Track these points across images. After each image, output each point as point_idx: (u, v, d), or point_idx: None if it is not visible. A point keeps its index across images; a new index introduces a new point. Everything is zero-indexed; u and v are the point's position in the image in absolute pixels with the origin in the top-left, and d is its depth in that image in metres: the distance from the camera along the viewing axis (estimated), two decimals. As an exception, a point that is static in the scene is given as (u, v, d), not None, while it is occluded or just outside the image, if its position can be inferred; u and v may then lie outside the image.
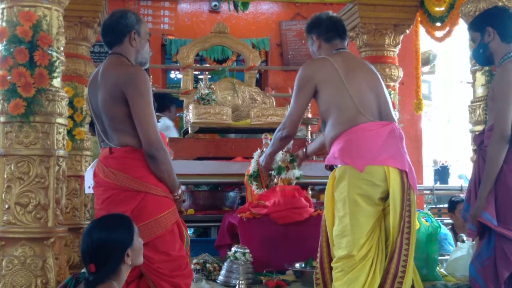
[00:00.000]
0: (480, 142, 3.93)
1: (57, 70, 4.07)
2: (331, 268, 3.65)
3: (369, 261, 3.54)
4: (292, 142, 4.79)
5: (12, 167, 3.93)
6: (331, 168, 3.81)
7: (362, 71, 3.90)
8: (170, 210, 3.42)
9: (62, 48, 4.24)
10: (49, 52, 4.01)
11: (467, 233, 4.04)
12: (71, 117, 5.51)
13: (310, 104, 4.03)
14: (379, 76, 4.00)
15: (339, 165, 3.66)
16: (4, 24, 4.02)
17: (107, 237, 2.88)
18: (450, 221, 6.85)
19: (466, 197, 4.05)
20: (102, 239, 2.87)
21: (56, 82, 4.10)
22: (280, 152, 4.54)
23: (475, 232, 3.87)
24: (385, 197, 3.60)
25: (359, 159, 3.58)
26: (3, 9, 4.10)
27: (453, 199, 6.61)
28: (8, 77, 3.91)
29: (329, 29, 4.01)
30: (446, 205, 8.36)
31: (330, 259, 3.69)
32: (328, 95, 3.79)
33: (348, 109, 3.72)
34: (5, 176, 3.94)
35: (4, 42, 3.97)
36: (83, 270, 3.00)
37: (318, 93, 3.84)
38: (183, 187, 3.65)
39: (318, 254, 3.78)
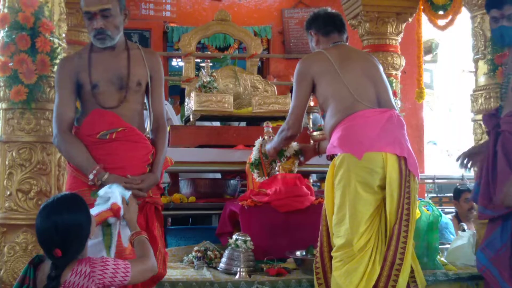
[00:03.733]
0: (495, 125, 3.86)
1: (59, 57, 4.04)
2: (331, 258, 3.66)
3: (368, 251, 3.54)
4: None
5: (13, 153, 3.92)
6: (332, 158, 3.82)
7: (358, 60, 3.95)
8: (77, 191, 3.32)
9: (63, 35, 4.23)
10: (51, 38, 3.99)
11: (478, 215, 4.01)
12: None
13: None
14: (378, 65, 4.05)
15: (338, 153, 3.66)
16: (5, 10, 4.00)
17: (72, 218, 2.78)
18: (452, 209, 6.85)
19: (477, 180, 4.00)
20: (67, 222, 2.76)
21: (58, 69, 4.09)
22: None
23: (489, 216, 3.82)
24: (384, 185, 3.60)
25: (357, 146, 3.59)
26: (4, -5, 4.09)
27: (458, 187, 6.61)
28: (10, 64, 3.89)
29: (326, 24, 4.10)
30: (447, 194, 8.38)
31: (330, 248, 3.70)
32: (325, 87, 3.86)
33: (344, 98, 3.76)
34: (6, 162, 3.94)
35: (6, 29, 3.95)
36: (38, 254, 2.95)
37: (315, 86, 3.92)
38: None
39: (318, 243, 3.80)
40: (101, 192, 3.15)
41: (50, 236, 2.76)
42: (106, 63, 3.62)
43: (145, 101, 3.82)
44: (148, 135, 3.73)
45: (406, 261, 3.53)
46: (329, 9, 4.22)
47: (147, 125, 3.78)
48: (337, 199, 3.64)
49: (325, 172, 3.94)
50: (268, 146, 4.59)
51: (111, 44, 3.62)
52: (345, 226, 3.56)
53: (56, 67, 3.99)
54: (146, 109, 3.80)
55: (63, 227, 2.75)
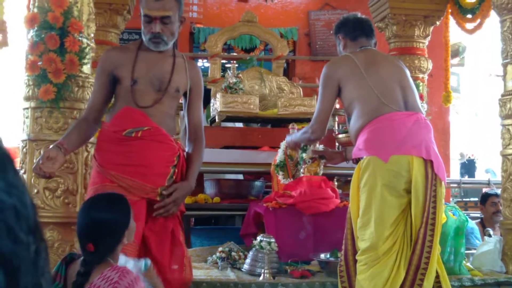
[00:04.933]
0: None
1: (87, 56, 4.09)
2: (355, 261, 3.64)
3: (394, 255, 3.52)
4: None
5: (41, 152, 3.95)
6: (357, 161, 3.80)
7: (384, 64, 3.93)
8: (98, 186, 3.44)
9: (92, 35, 4.26)
10: (80, 38, 4.03)
11: None
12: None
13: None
14: (405, 69, 4.02)
15: (364, 156, 3.65)
16: (35, 10, 4.04)
17: (108, 216, 2.85)
18: (477, 214, 6.80)
19: None
20: (103, 219, 2.83)
21: (86, 69, 4.12)
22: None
23: None
24: (410, 189, 3.57)
25: (384, 149, 3.57)
26: (34, -5, 4.13)
27: (486, 191, 6.56)
28: (39, 63, 3.93)
29: (355, 28, 4.09)
30: (473, 199, 8.31)
31: (355, 252, 3.67)
32: (350, 90, 3.83)
33: (370, 100, 3.74)
34: (34, 160, 3.96)
35: (35, 28, 3.99)
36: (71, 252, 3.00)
37: (341, 90, 3.89)
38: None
39: (343, 247, 3.78)
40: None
41: (85, 230, 2.83)
42: (151, 62, 3.64)
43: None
44: (176, 138, 3.76)
45: (431, 266, 3.50)
46: (359, 15, 4.20)
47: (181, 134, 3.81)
48: (362, 202, 3.62)
49: (350, 175, 3.93)
50: (289, 138, 4.56)
51: (163, 49, 3.65)
52: (370, 229, 3.54)
53: (84, 66, 4.03)
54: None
55: (98, 222, 2.81)
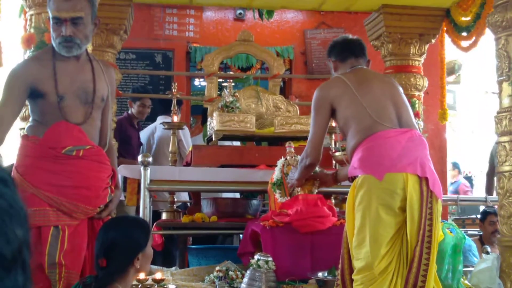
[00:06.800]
0: None
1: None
2: (352, 280, 3.63)
3: (390, 275, 3.50)
4: None
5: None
6: (353, 179, 3.80)
7: (375, 82, 3.96)
8: (36, 210, 3.26)
9: (88, 55, 4.27)
10: (76, 58, 4.04)
11: None
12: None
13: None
14: (397, 86, 4.06)
15: (359, 175, 3.65)
16: (32, 30, 4.06)
17: (123, 235, 2.96)
18: (475, 231, 6.79)
19: None
20: (117, 237, 2.95)
21: (82, 89, 4.12)
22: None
23: None
24: (405, 207, 3.56)
25: (378, 167, 3.57)
26: (31, 15, 4.14)
27: (485, 209, 6.56)
28: (36, 83, 3.94)
29: (343, 50, 4.15)
30: (470, 216, 8.30)
31: (351, 271, 3.66)
32: (344, 110, 3.87)
33: (364, 119, 3.75)
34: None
35: (32, 48, 4.01)
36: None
37: (335, 111, 3.93)
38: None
39: (340, 265, 3.77)
40: None
41: (102, 246, 2.95)
42: (72, 74, 3.47)
43: None
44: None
45: (428, 284, 3.48)
46: (350, 36, 4.27)
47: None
48: (357, 221, 3.61)
49: (347, 193, 3.92)
50: (291, 178, 4.59)
51: (77, 54, 3.46)
52: (365, 248, 3.53)
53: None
54: None
55: (114, 239, 2.94)
